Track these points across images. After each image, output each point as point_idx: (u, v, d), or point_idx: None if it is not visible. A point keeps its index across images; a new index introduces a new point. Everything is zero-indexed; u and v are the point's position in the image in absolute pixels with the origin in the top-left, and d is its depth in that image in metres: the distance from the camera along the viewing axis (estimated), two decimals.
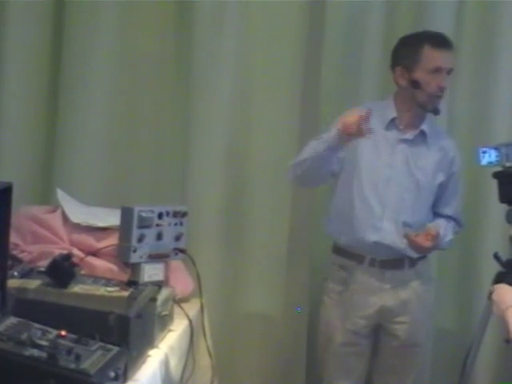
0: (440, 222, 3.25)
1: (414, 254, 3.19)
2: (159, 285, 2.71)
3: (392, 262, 3.20)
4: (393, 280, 3.21)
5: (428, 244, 3.08)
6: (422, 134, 3.22)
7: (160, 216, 2.81)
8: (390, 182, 3.18)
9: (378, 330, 3.28)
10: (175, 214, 2.87)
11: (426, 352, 3.42)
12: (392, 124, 3.22)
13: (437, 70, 3.15)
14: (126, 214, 2.76)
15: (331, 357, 3.28)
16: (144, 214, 2.76)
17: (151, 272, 2.82)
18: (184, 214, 2.90)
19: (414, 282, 3.24)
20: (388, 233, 3.17)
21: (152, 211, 2.80)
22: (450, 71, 3.18)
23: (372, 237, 3.17)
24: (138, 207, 2.78)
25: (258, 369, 3.69)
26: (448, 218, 3.29)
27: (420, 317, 3.26)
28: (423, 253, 3.18)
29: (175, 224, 2.87)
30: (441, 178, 3.24)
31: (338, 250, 3.27)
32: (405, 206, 3.18)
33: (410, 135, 3.22)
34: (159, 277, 2.84)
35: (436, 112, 3.21)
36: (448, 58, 3.17)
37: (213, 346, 3.10)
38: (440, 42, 3.17)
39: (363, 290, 3.21)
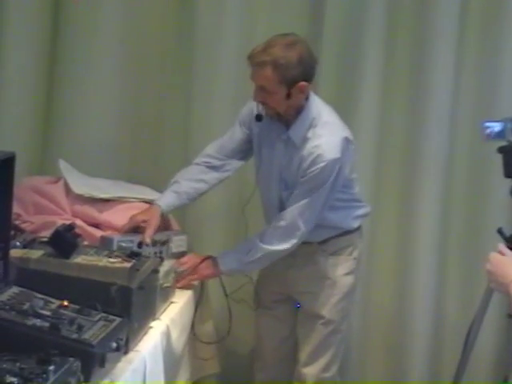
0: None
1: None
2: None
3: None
4: (299, 255, 3.07)
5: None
6: None
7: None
8: None
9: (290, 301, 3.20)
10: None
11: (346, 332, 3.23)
12: None
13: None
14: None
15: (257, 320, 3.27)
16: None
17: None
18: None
19: (319, 254, 3.09)
20: None
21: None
22: (261, 88, 2.86)
23: None
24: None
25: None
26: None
27: (325, 290, 3.09)
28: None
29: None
30: None
31: None
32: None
33: None
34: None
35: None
36: (253, 74, 2.87)
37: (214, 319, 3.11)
38: (248, 55, 2.88)
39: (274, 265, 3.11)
